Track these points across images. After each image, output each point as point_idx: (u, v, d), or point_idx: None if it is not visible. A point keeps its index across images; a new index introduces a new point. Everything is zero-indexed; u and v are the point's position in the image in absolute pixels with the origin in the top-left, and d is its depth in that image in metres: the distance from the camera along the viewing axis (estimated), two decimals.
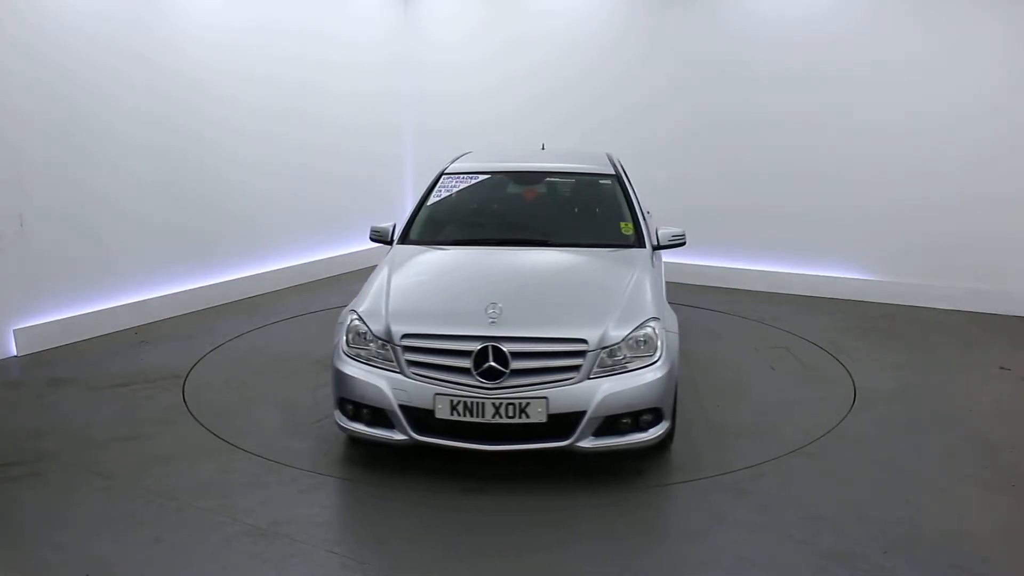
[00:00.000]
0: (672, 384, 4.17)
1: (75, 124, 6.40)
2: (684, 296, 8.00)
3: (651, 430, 4.08)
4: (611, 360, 4.01)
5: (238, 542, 3.64)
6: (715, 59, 8.34)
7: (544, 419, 3.91)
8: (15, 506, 3.96)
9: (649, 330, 4.13)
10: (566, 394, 3.93)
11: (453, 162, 6.05)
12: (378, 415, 4.11)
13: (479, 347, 3.96)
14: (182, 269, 7.37)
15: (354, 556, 3.54)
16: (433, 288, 4.70)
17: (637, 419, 4.04)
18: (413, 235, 5.41)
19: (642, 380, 4.00)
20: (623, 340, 4.04)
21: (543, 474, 4.25)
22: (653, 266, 4.94)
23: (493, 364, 3.93)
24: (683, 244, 5.31)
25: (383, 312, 4.27)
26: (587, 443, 3.98)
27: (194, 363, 6.01)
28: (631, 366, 4.02)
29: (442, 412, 3.95)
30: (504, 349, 3.95)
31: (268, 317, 7.31)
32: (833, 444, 4.70)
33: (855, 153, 7.86)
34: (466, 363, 3.95)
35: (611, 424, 3.99)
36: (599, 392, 3.94)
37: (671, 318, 4.46)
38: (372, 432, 4.15)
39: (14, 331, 6.12)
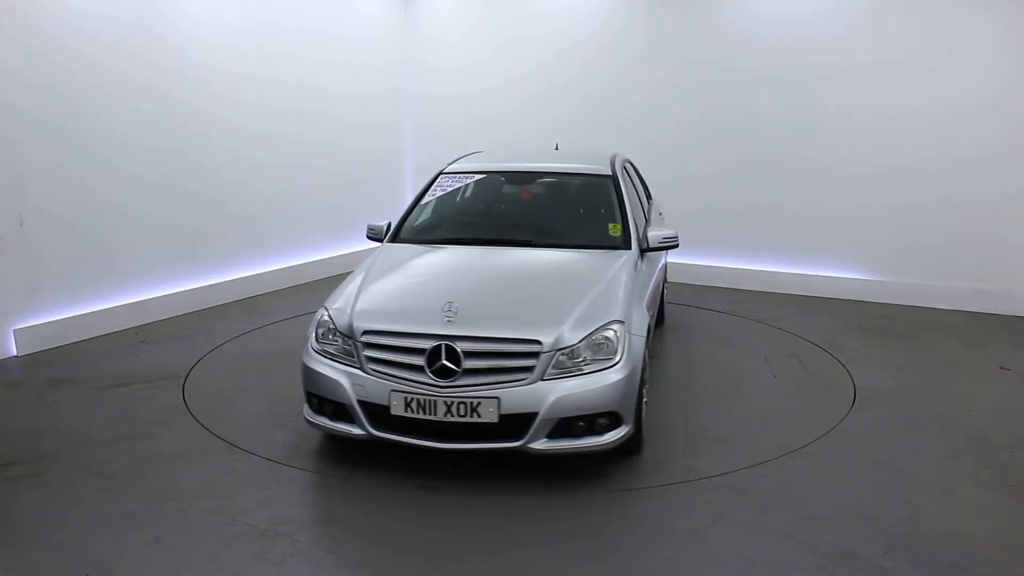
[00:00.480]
0: (633, 388, 4.10)
1: (75, 124, 6.40)
2: (684, 296, 8.00)
3: (608, 434, 4.03)
4: (568, 362, 3.98)
5: (238, 542, 3.64)
6: (715, 59, 8.33)
7: (495, 419, 3.91)
8: (15, 506, 3.97)
9: (611, 333, 4.09)
10: (518, 395, 3.92)
11: (455, 162, 6.09)
12: (340, 409, 4.18)
13: (433, 345, 4.00)
14: (182, 269, 7.37)
15: (354, 556, 3.54)
16: (403, 286, 4.73)
17: (592, 422, 4.00)
18: (403, 234, 5.46)
19: (598, 383, 3.96)
20: (580, 342, 4.02)
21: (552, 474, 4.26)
22: (637, 268, 4.87)
23: (445, 363, 3.97)
24: (675, 247, 5.26)
25: (349, 309, 4.35)
26: (540, 445, 3.96)
27: (194, 363, 6.01)
28: (587, 368, 3.99)
29: (397, 409, 4.00)
30: (457, 348, 3.97)
31: (268, 317, 7.31)
32: (833, 444, 4.70)
33: (855, 153, 7.86)
34: (420, 361, 4.00)
35: (565, 426, 3.96)
36: (552, 394, 3.92)
37: (639, 321, 4.34)
38: (334, 426, 4.22)
39: (14, 331, 6.12)
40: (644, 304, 4.67)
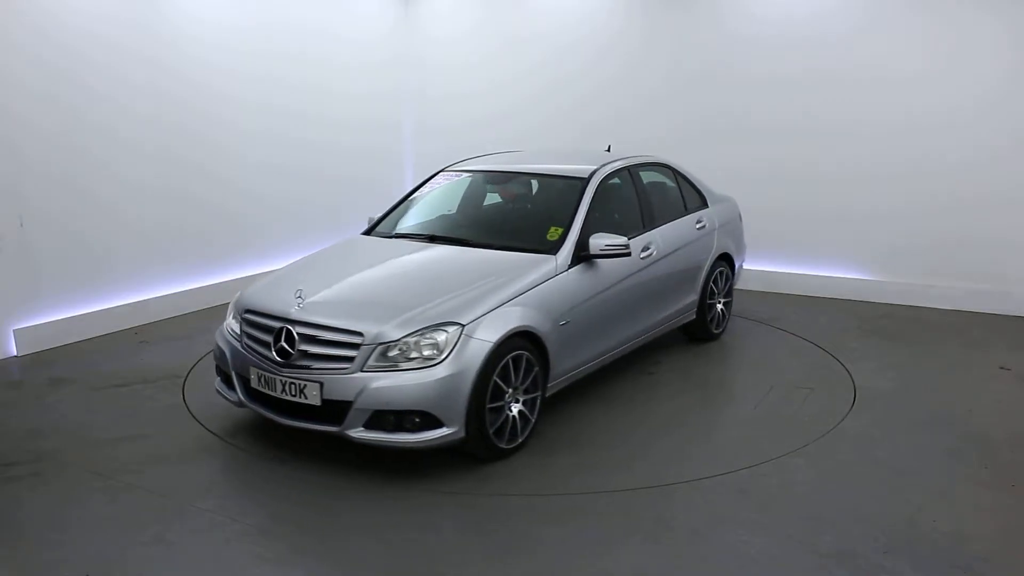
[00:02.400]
0: (459, 391, 4.08)
1: (74, 124, 6.39)
2: None
3: (421, 433, 4.08)
4: (396, 357, 4.09)
5: (238, 542, 3.65)
6: (714, 59, 8.33)
7: (319, 402, 4.14)
8: (15, 506, 3.97)
9: (441, 334, 4.12)
10: (337, 382, 4.11)
11: (461, 161, 6.25)
12: (227, 379, 4.68)
13: (278, 328, 4.32)
14: (182, 269, 7.36)
15: (355, 555, 3.54)
16: (302, 274, 4.97)
17: (403, 419, 4.08)
18: (380, 227, 5.75)
19: (411, 381, 4.03)
20: (402, 339, 4.10)
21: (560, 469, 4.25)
22: (563, 274, 4.78)
23: (283, 345, 4.26)
24: (621, 255, 4.99)
25: (248, 290, 4.85)
26: (356, 433, 4.11)
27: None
28: (405, 365, 4.07)
29: (254, 382, 4.40)
30: (294, 333, 4.24)
31: None
32: (833, 444, 4.70)
33: (855, 153, 7.85)
34: (269, 340, 4.35)
35: (379, 419, 4.09)
36: (366, 385, 4.05)
37: (493, 327, 4.23)
38: (225, 392, 4.70)
39: (14, 331, 6.12)
40: (544, 309, 4.56)
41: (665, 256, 5.71)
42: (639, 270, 5.42)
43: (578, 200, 5.24)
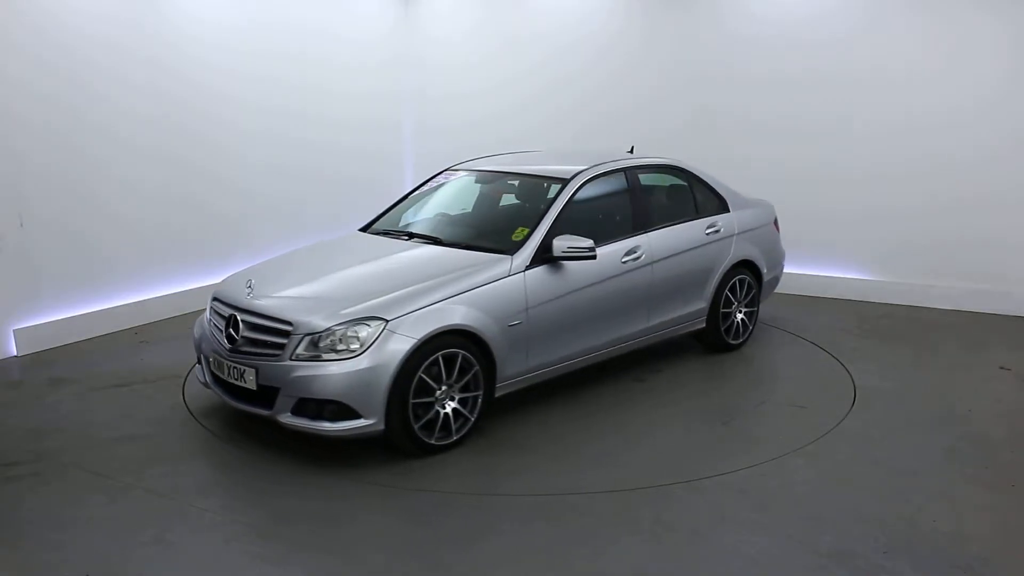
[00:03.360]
0: (376, 385, 4.19)
1: (75, 124, 6.38)
2: None
3: (340, 422, 4.23)
4: (326, 347, 4.25)
5: (238, 542, 3.65)
6: (714, 59, 8.32)
7: (255, 387, 4.42)
8: (15, 506, 3.97)
9: (363, 328, 4.26)
10: (270, 369, 4.35)
11: (467, 161, 6.28)
12: (199, 361, 4.99)
13: (228, 314, 4.63)
14: (182, 269, 7.36)
15: (355, 556, 3.54)
16: (278, 265, 5.32)
17: (321, 407, 4.25)
18: (378, 223, 5.86)
19: (328, 371, 4.20)
20: (327, 330, 4.27)
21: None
22: (511, 275, 4.76)
23: (230, 331, 4.57)
24: (589, 258, 4.94)
25: (227, 278, 5.18)
26: (284, 418, 4.32)
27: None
28: (328, 356, 4.23)
29: (212, 365, 4.73)
30: (239, 320, 4.54)
31: None
32: (833, 444, 4.70)
33: (855, 153, 7.84)
34: (222, 326, 4.67)
35: (303, 406, 4.27)
36: (291, 373, 4.25)
37: (419, 325, 4.30)
38: (199, 376, 4.98)
39: (14, 331, 6.11)
40: (488, 310, 4.58)
41: (659, 260, 5.58)
42: (620, 274, 5.32)
43: (552, 201, 5.22)
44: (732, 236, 6.17)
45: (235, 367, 4.49)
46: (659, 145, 8.51)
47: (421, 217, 5.89)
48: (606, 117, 8.85)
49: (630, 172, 5.77)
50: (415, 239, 5.40)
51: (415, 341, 4.27)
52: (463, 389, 4.53)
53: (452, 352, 4.43)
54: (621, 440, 4.76)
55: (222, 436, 4.76)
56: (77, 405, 5.22)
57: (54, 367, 5.90)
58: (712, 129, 8.39)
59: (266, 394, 4.38)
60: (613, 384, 5.60)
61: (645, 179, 5.93)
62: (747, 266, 6.29)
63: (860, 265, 8.02)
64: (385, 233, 5.62)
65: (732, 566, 3.48)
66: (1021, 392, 5.61)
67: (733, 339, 6.28)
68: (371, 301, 4.41)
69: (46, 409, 5.16)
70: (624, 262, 5.36)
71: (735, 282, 6.19)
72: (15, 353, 6.11)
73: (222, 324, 4.66)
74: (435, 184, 6.13)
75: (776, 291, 8.30)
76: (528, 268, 4.85)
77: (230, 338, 4.54)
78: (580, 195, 5.37)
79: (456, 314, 4.45)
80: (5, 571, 3.43)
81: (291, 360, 4.28)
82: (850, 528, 3.76)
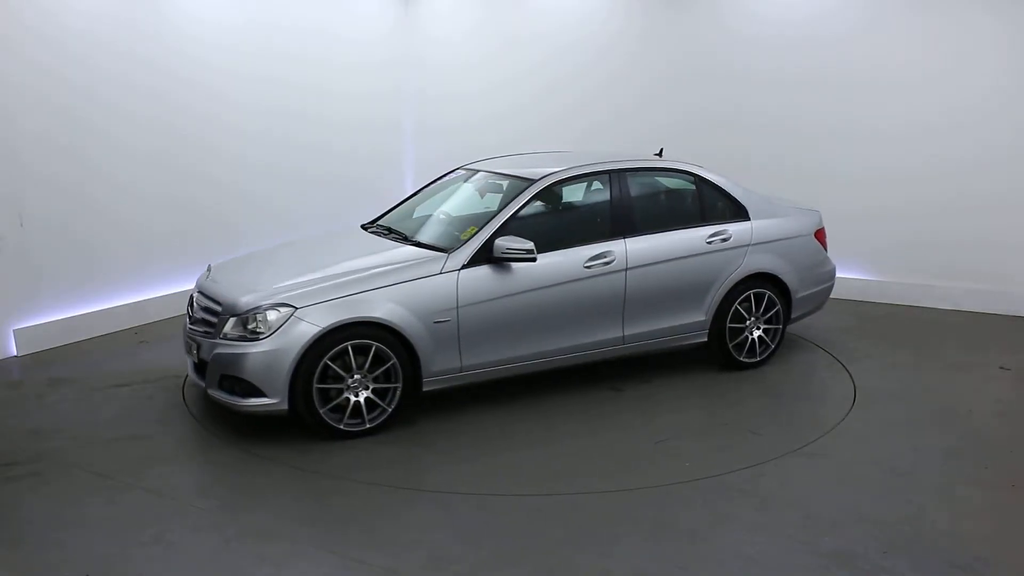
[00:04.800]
0: (278, 367, 4.45)
1: (74, 124, 6.38)
2: None
3: (249, 399, 4.56)
4: (248, 328, 4.58)
5: (238, 542, 3.65)
6: (714, 59, 8.32)
7: (198, 360, 4.85)
8: (15, 506, 3.97)
9: (275, 313, 4.55)
10: (205, 345, 4.73)
11: (477, 161, 6.28)
12: None
13: (192, 295, 5.12)
14: (181, 269, 7.34)
15: (355, 556, 3.54)
16: (258, 256, 5.66)
17: (233, 384, 4.59)
18: (377, 221, 5.95)
19: (235, 350, 4.55)
20: (244, 313, 4.61)
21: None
22: (443, 273, 4.81)
23: (188, 309, 5.11)
24: (528, 260, 4.91)
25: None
26: (211, 391, 4.72)
27: None
28: (234, 336, 4.60)
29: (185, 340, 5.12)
30: (195, 300, 5.06)
31: None
32: (833, 444, 4.71)
33: (855, 153, 7.84)
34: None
35: (222, 381, 4.64)
36: (214, 350, 4.64)
37: (324, 314, 4.51)
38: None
39: (14, 331, 6.11)
40: (412, 306, 4.69)
41: (638, 267, 5.33)
42: (582, 279, 5.17)
43: (508, 202, 5.22)
44: (745, 246, 5.72)
45: (191, 341, 4.91)
46: (659, 145, 8.53)
47: (418, 215, 5.92)
48: (606, 117, 8.85)
49: (616, 175, 5.54)
50: (392, 235, 5.52)
51: (320, 329, 4.49)
52: (380, 380, 4.66)
53: (365, 343, 4.59)
54: (547, 448, 4.67)
55: (222, 436, 4.76)
56: (77, 405, 5.22)
57: (54, 367, 5.90)
58: (712, 129, 8.39)
59: (204, 368, 4.76)
60: (590, 393, 5.41)
61: (641, 183, 5.74)
62: (769, 280, 5.82)
63: (860, 265, 8.02)
64: (375, 230, 5.73)
65: (732, 566, 3.48)
66: (1021, 392, 5.61)
67: (747, 357, 5.83)
68: (291, 289, 4.68)
69: (46, 409, 5.16)
70: (589, 267, 5.19)
71: (750, 296, 5.76)
72: (15, 353, 6.11)
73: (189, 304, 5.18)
74: (442, 183, 6.16)
75: None
76: (466, 267, 4.90)
77: (188, 316, 5.06)
78: (548, 198, 5.39)
79: (371, 307, 4.62)
80: (5, 571, 3.43)
81: (220, 339, 4.63)
82: (850, 528, 3.76)
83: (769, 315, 5.86)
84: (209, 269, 5.31)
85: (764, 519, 3.84)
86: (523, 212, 5.20)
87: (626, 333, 5.40)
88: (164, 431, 4.85)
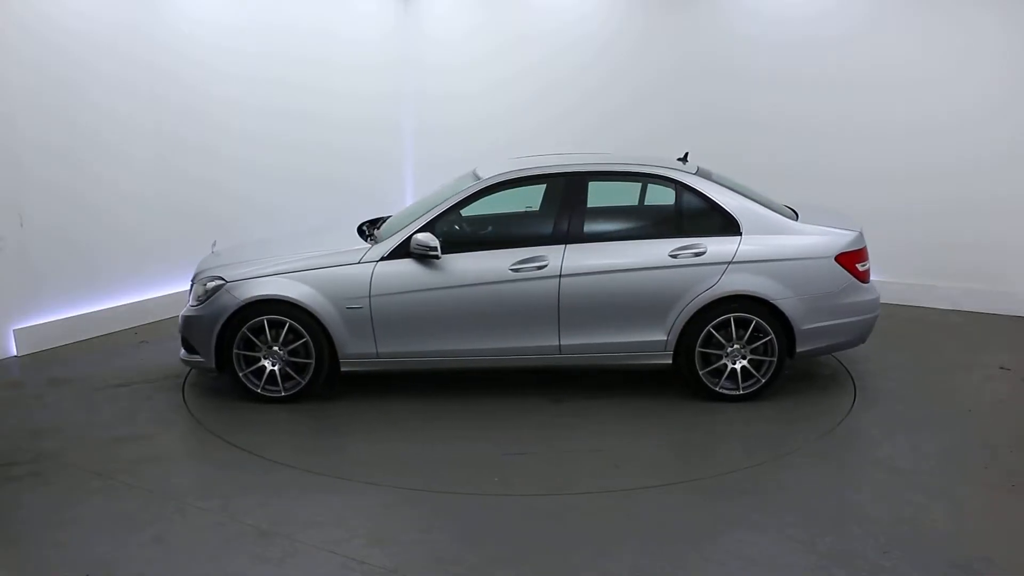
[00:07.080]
0: (204, 330, 5.13)
1: (73, 125, 6.39)
2: None
3: (191, 356, 5.32)
4: (194, 295, 5.33)
5: (238, 542, 3.65)
6: (714, 59, 8.32)
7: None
8: (15, 506, 3.97)
9: (212, 283, 5.22)
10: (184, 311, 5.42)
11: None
12: None
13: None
14: (181, 269, 7.33)
15: (355, 556, 3.54)
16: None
17: (184, 341, 5.37)
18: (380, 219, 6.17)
19: (183, 313, 5.36)
20: (195, 282, 5.39)
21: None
22: (360, 262, 5.13)
23: (190, 281, 5.63)
24: (431, 257, 5.05)
25: None
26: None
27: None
28: (192, 302, 5.33)
29: None
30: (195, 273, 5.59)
31: None
32: (833, 444, 4.71)
33: (855, 154, 7.84)
34: None
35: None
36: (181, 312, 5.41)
37: (250, 289, 5.07)
38: None
39: (14, 331, 6.11)
40: (325, 290, 5.09)
41: (576, 275, 5.06)
42: (506, 281, 5.05)
43: (445, 199, 5.32)
44: (724, 264, 5.11)
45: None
46: (659, 145, 8.52)
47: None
48: (606, 117, 8.85)
49: (574, 179, 5.31)
50: (376, 225, 5.86)
51: (239, 301, 5.08)
52: (293, 354, 5.13)
53: (279, 319, 5.09)
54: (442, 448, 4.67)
55: (222, 436, 4.76)
56: (77, 405, 5.23)
57: (54, 367, 5.90)
58: (711, 129, 8.38)
59: None
60: (531, 401, 5.29)
61: (610, 188, 5.47)
62: (761, 304, 5.14)
63: None
64: (364, 226, 5.97)
65: (732, 566, 3.48)
66: (1021, 392, 5.61)
67: (725, 388, 5.22)
68: (235, 265, 5.29)
69: (46, 409, 5.16)
70: (516, 270, 5.06)
71: (729, 320, 5.15)
72: (15, 353, 6.11)
73: None
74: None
75: None
76: (386, 259, 5.16)
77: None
78: (492, 198, 5.36)
79: (285, 287, 5.09)
80: (5, 571, 3.43)
81: (194, 304, 5.31)
82: (850, 528, 3.76)
83: (758, 344, 5.18)
84: (215, 249, 5.89)
85: (764, 519, 3.84)
86: (466, 211, 5.41)
87: (563, 343, 5.14)
88: (164, 431, 4.85)
